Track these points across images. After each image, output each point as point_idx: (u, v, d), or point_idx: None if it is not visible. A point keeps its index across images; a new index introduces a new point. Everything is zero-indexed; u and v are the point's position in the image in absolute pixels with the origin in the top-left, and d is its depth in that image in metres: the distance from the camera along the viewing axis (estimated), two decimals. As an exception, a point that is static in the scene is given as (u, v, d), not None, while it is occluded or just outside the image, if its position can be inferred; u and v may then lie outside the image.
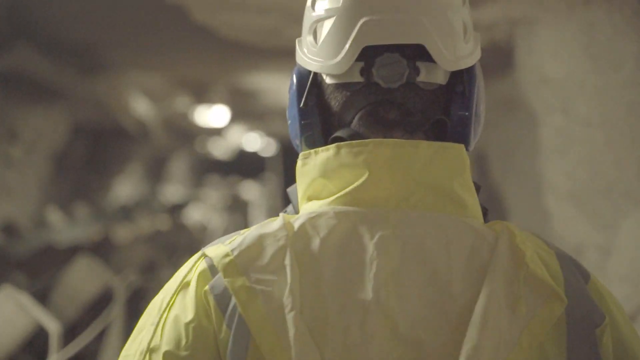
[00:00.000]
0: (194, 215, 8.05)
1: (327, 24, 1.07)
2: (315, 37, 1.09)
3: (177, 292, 1.02)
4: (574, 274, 1.02)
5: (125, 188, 11.06)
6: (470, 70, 1.09)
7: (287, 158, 15.69)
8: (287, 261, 0.98)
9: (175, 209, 8.73)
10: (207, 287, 1.00)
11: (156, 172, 12.75)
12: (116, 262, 4.99)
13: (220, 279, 0.99)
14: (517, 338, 0.94)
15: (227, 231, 10.66)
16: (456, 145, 1.03)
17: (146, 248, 5.37)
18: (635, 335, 1.02)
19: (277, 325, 0.94)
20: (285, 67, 6.22)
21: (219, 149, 16.11)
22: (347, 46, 1.04)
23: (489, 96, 1.21)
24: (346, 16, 1.05)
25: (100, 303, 4.13)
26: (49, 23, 5.17)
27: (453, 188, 1.02)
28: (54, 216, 7.33)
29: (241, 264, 0.99)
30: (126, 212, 8.31)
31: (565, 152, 3.71)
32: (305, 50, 1.11)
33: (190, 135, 10.99)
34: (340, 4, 1.06)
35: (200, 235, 7.93)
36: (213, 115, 8.78)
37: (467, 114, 1.07)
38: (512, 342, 0.94)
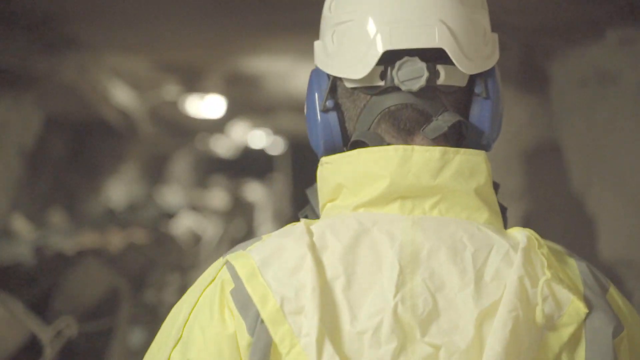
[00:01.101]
0: (185, 223, 6.91)
1: (347, 28, 1.09)
2: (334, 41, 1.11)
3: (199, 300, 1.03)
4: (594, 283, 1.04)
5: (108, 192, 9.93)
6: (489, 72, 1.12)
7: (296, 156, 14.59)
8: (309, 268, 0.98)
9: (160, 218, 7.55)
10: (228, 294, 1.01)
11: (144, 173, 11.59)
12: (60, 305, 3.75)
13: (241, 286, 1.00)
14: (537, 346, 0.95)
15: (227, 241, 9.71)
16: (479, 152, 1.07)
17: (111, 274, 4.11)
18: None
19: (299, 334, 0.95)
20: (293, 47, 5.35)
21: (217, 146, 14.86)
22: (367, 50, 1.07)
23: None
24: (367, 20, 1.07)
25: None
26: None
27: (475, 195, 1.04)
28: (20, 225, 6.23)
29: (263, 271, 1.00)
30: (104, 221, 7.21)
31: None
32: (325, 54, 1.13)
33: (182, 129, 9.81)
34: (360, 8, 1.08)
35: (191, 250, 6.75)
36: (207, 106, 7.64)
37: (487, 115, 1.11)
38: (533, 350, 0.95)
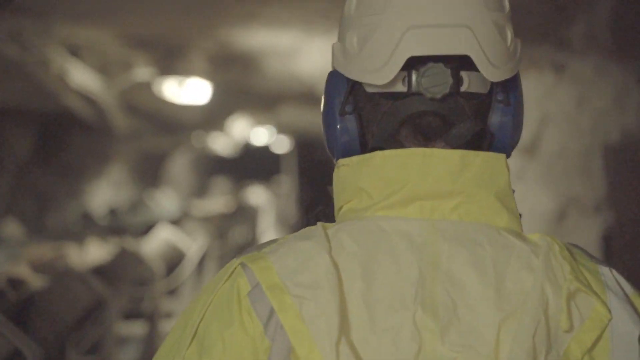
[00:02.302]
0: (162, 235, 5.52)
1: (371, 32, 1.07)
2: (356, 44, 1.09)
3: (213, 300, 1.02)
4: (617, 288, 1.03)
5: (79, 196, 8.67)
6: (511, 78, 1.10)
7: (302, 155, 13.40)
8: (328, 272, 0.99)
9: (122, 230, 6.21)
10: (246, 297, 1.00)
11: (118, 175, 10.31)
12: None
13: (259, 289, 1.00)
14: (559, 353, 0.96)
15: (227, 252, 8.51)
16: (500, 155, 1.06)
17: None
18: None
19: (318, 338, 0.96)
20: (298, 18, 4.46)
21: (202, 142, 13.47)
22: (391, 56, 1.05)
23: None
24: (390, 24, 1.06)
25: None
26: None
27: (496, 198, 1.04)
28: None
29: (281, 274, 1.00)
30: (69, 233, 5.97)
31: None
32: (344, 57, 1.11)
33: (162, 121, 8.46)
34: (385, 12, 1.06)
35: (165, 275, 5.24)
36: (189, 92, 6.32)
37: (508, 122, 1.09)
38: (555, 357, 0.95)
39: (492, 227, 1.02)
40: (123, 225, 8.11)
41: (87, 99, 5.86)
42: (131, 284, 4.10)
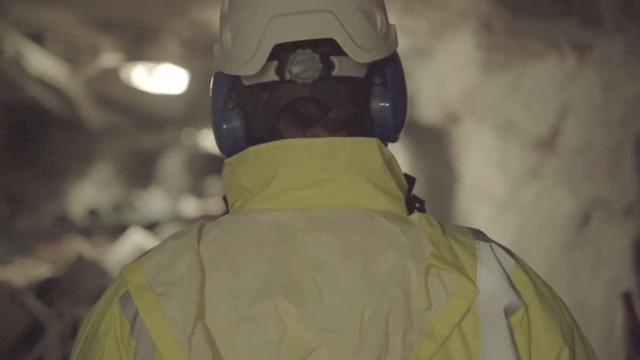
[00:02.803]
0: (132, 241, 4.87)
1: (239, 26, 1.10)
2: (229, 39, 1.12)
3: (97, 308, 1.07)
4: (493, 262, 1.04)
5: (53, 196, 8.13)
6: (388, 60, 1.13)
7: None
8: (190, 268, 1.01)
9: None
10: (118, 300, 1.03)
11: (97, 173, 9.74)
12: None
13: (129, 292, 1.03)
14: (426, 329, 0.97)
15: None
16: (370, 139, 1.07)
17: None
18: (551, 328, 1.03)
19: (178, 333, 0.98)
20: None
21: (193, 138, 12.90)
22: (258, 46, 1.08)
23: None
24: (255, 16, 1.09)
25: None
26: None
27: (369, 182, 1.06)
28: None
29: (149, 274, 1.03)
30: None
31: None
32: (221, 54, 1.14)
33: (135, 111, 7.86)
34: (250, 5, 1.10)
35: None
36: (162, 80, 5.73)
37: (387, 105, 1.12)
38: (419, 335, 0.97)
39: (367, 211, 1.05)
40: (101, 228, 7.57)
41: (52, 88, 5.30)
42: (90, 298, 3.55)
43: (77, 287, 3.60)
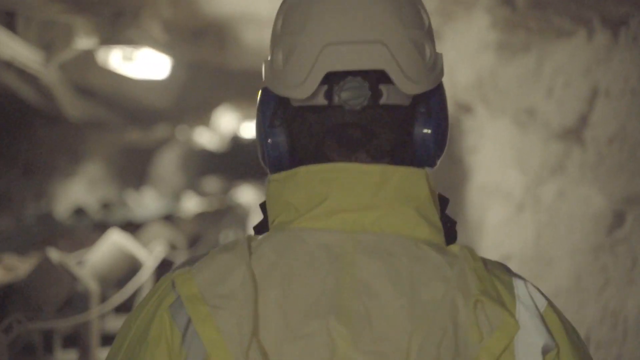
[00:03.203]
0: (109, 244, 4.39)
1: (292, 49, 1.15)
2: (280, 60, 1.17)
3: (141, 314, 1.09)
4: (529, 301, 1.09)
5: (34, 195, 7.75)
6: (432, 90, 1.18)
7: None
8: (244, 283, 1.05)
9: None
10: (168, 308, 1.06)
11: (84, 171, 9.38)
12: None
13: (180, 301, 1.06)
14: (472, 358, 1.02)
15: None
16: (419, 170, 1.13)
17: None
18: None
19: (232, 347, 1.01)
20: None
21: (184, 134, 12.56)
22: (310, 71, 1.13)
23: None
24: (310, 42, 1.14)
25: None
26: None
27: (416, 212, 1.11)
28: None
29: (201, 285, 1.06)
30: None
31: None
32: (271, 72, 1.19)
33: (116, 101, 7.45)
34: (304, 31, 1.15)
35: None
36: (143, 66, 5.37)
37: (429, 132, 1.16)
38: None
39: (411, 240, 1.09)
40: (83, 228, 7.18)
41: (26, 75, 4.92)
42: (53, 305, 3.14)
43: (39, 296, 3.19)
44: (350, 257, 1.05)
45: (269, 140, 1.16)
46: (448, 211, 1.17)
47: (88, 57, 5.12)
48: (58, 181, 8.58)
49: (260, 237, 1.11)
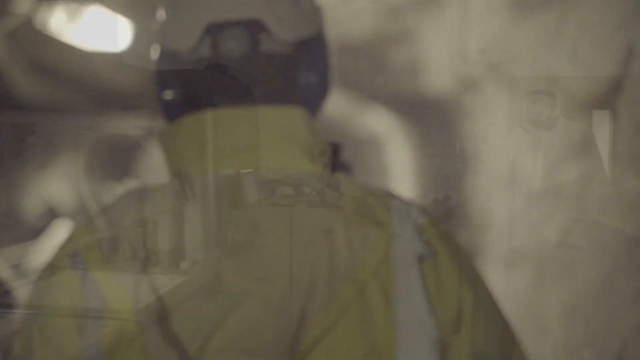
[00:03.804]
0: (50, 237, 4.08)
1: (174, 2, 1.29)
2: (163, 16, 1.29)
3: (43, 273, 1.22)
4: (407, 218, 1.21)
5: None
6: (313, 37, 1.30)
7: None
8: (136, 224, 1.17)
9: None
10: (66, 257, 1.17)
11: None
12: None
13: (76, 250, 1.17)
14: (347, 276, 1.13)
15: None
16: (293, 107, 1.24)
17: None
18: (455, 274, 1.21)
19: (123, 279, 1.11)
20: None
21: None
22: (192, 24, 1.25)
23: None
24: None
25: None
26: None
27: (297, 147, 1.22)
28: None
29: (94, 224, 1.18)
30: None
31: None
32: (160, 28, 1.31)
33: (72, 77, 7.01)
34: None
35: None
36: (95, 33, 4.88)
37: (312, 79, 1.28)
38: (343, 281, 1.12)
39: (294, 172, 1.20)
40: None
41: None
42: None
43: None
44: (237, 194, 1.15)
45: (165, 100, 1.27)
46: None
47: (27, 21, 4.66)
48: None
49: (152, 185, 1.23)
